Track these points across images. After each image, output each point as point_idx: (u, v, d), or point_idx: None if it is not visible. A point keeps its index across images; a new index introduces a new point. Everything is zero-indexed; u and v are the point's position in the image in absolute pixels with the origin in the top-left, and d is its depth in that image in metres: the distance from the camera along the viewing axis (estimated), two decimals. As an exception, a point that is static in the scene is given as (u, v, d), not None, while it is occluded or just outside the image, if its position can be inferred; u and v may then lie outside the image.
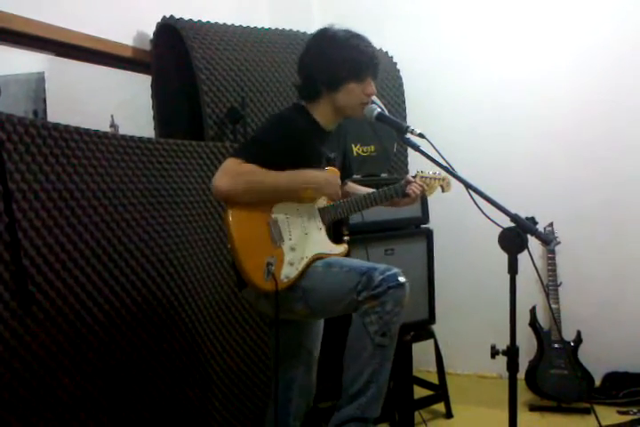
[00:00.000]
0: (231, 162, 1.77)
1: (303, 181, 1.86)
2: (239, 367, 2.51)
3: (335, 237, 2.00)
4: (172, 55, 2.68)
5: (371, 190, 2.06)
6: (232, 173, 1.75)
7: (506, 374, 1.67)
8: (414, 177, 2.08)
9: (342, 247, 1.99)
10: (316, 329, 2.09)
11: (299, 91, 1.97)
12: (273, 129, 1.87)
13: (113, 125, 2.68)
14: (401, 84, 3.39)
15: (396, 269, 1.80)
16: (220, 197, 1.78)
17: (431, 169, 2.04)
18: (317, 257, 1.90)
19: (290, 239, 1.85)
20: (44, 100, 2.76)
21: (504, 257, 1.64)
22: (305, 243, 1.88)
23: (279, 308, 1.79)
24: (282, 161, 1.81)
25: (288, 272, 1.82)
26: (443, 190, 2.15)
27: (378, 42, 3.23)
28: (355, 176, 2.70)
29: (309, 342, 2.07)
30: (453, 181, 1.77)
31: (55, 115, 2.67)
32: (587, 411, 2.79)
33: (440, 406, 2.90)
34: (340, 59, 1.85)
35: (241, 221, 1.77)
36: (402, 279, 1.77)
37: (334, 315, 1.95)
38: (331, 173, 1.94)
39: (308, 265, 1.87)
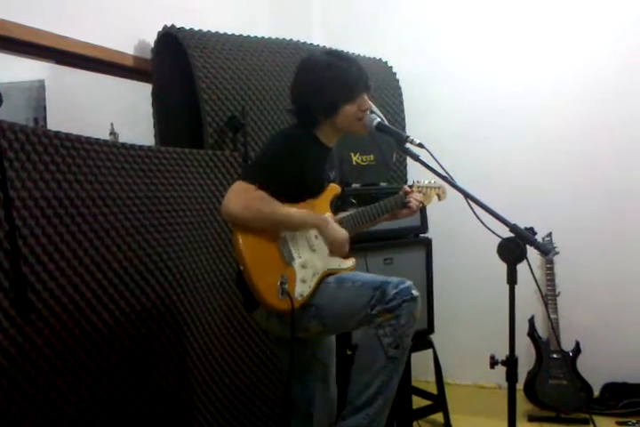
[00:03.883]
0: (243, 187, 1.77)
1: (309, 222, 1.88)
2: (238, 376, 2.50)
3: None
4: (173, 64, 2.69)
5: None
6: (244, 199, 1.76)
7: (505, 384, 1.67)
8: (411, 187, 2.09)
9: (351, 262, 1.99)
10: (328, 342, 2.08)
11: (298, 120, 1.98)
12: (281, 151, 1.86)
13: (113, 133, 2.68)
14: (400, 94, 3.40)
15: (409, 283, 1.80)
16: (229, 219, 1.81)
17: (430, 178, 2.06)
18: (328, 273, 1.91)
19: (299, 257, 1.86)
20: (45, 108, 2.76)
21: (503, 267, 1.64)
22: (314, 259, 1.88)
23: (294, 323, 1.79)
24: (289, 183, 1.83)
25: (302, 290, 1.83)
26: (439, 199, 2.16)
27: (377, 51, 3.34)
28: (354, 185, 2.72)
29: (323, 355, 2.05)
30: (452, 190, 1.78)
31: (55, 123, 2.67)
32: (585, 421, 2.79)
33: (439, 417, 2.89)
34: (327, 85, 1.86)
35: (251, 243, 1.79)
36: (415, 293, 1.78)
37: (348, 330, 1.95)
38: (343, 234, 1.92)
39: (320, 281, 1.88)
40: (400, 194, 2.06)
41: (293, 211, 1.84)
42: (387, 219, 2.11)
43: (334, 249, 1.91)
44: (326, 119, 1.91)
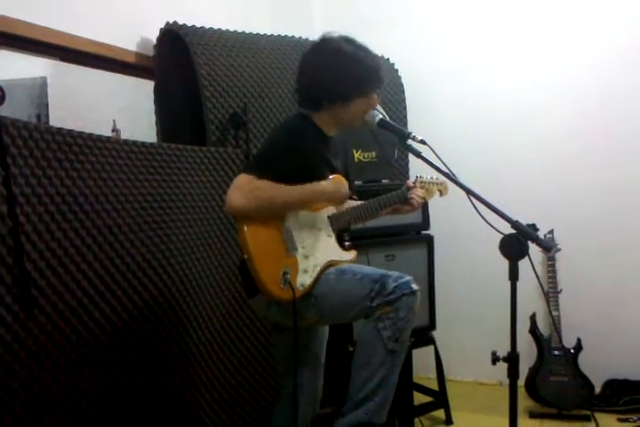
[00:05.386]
0: (243, 179, 1.77)
1: (313, 194, 1.88)
2: (241, 373, 2.51)
3: (337, 243, 2.01)
4: (175, 61, 2.69)
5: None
6: (244, 190, 1.75)
7: (506, 380, 1.67)
8: (414, 182, 2.10)
9: (352, 254, 2.00)
10: (322, 333, 2.10)
11: (300, 99, 1.97)
12: (283, 143, 1.86)
13: (115, 130, 2.69)
14: (402, 91, 3.40)
15: (408, 277, 1.81)
16: (233, 213, 1.80)
17: (431, 174, 2.06)
18: (330, 264, 1.92)
19: (302, 247, 1.87)
20: (47, 105, 2.76)
21: (504, 264, 1.65)
22: (317, 250, 1.89)
23: (290, 315, 1.80)
24: (292, 174, 1.83)
25: (303, 280, 1.84)
26: (441, 194, 2.17)
27: (379, 48, 3.27)
28: (356, 182, 2.71)
29: (315, 346, 2.07)
30: (454, 187, 1.78)
31: (58, 119, 2.67)
32: (587, 418, 2.79)
33: (440, 413, 2.90)
34: (347, 75, 1.85)
35: (255, 232, 1.79)
36: (414, 286, 1.80)
37: (346, 321, 1.96)
38: (337, 181, 1.94)
39: (321, 272, 1.89)
40: (402, 189, 2.07)
41: (292, 190, 1.82)
42: (388, 213, 2.12)
43: (339, 198, 1.96)
44: (332, 106, 1.90)
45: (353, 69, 1.85)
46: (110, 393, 1.92)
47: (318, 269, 1.88)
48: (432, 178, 2.13)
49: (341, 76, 1.85)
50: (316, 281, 1.87)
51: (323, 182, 1.90)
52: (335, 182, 1.94)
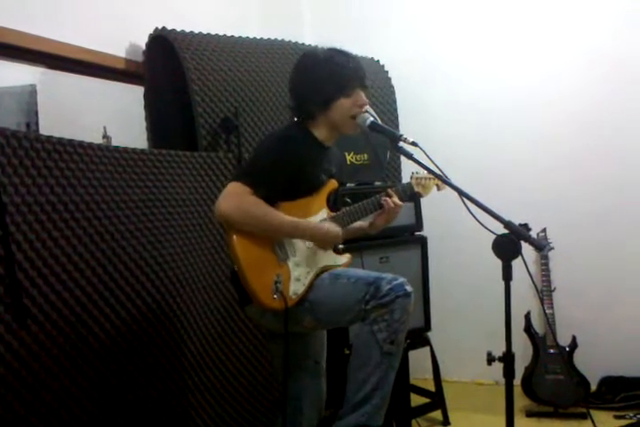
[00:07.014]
0: (237, 188, 1.77)
1: (305, 235, 1.86)
2: (236, 377, 2.50)
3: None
4: (165, 66, 2.68)
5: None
6: (237, 203, 1.75)
7: (502, 380, 1.67)
8: (410, 178, 2.10)
9: (345, 257, 2.00)
10: (320, 338, 2.09)
11: (293, 113, 1.98)
12: (276, 151, 1.85)
13: (106, 137, 2.67)
14: (393, 92, 3.40)
15: (402, 279, 1.81)
16: (222, 220, 1.80)
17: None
18: (323, 269, 1.91)
19: (294, 255, 1.86)
20: (37, 113, 2.75)
21: (498, 263, 1.65)
22: (309, 257, 1.89)
23: (287, 322, 1.79)
24: (285, 183, 1.83)
25: (296, 288, 1.84)
26: (438, 189, 2.15)
27: (369, 50, 3.34)
28: (348, 184, 2.72)
29: (315, 351, 2.07)
30: (447, 188, 1.78)
31: (48, 127, 2.66)
32: (583, 416, 2.80)
33: (437, 414, 2.90)
34: (323, 77, 1.87)
35: (245, 242, 1.79)
36: (408, 288, 1.80)
37: (341, 325, 1.95)
38: (334, 233, 1.90)
39: (315, 278, 1.88)
40: (376, 196, 2.03)
41: (286, 221, 1.82)
42: (381, 222, 2.07)
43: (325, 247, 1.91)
44: (322, 113, 1.91)
45: (329, 71, 1.87)
46: (105, 401, 1.91)
47: (311, 275, 1.88)
48: (428, 173, 2.11)
49: (319, 79, 1.87)
50: (309, 287, 1.86)
51: (318, 226, 1.88)
52: (330, 231, 1.89)
